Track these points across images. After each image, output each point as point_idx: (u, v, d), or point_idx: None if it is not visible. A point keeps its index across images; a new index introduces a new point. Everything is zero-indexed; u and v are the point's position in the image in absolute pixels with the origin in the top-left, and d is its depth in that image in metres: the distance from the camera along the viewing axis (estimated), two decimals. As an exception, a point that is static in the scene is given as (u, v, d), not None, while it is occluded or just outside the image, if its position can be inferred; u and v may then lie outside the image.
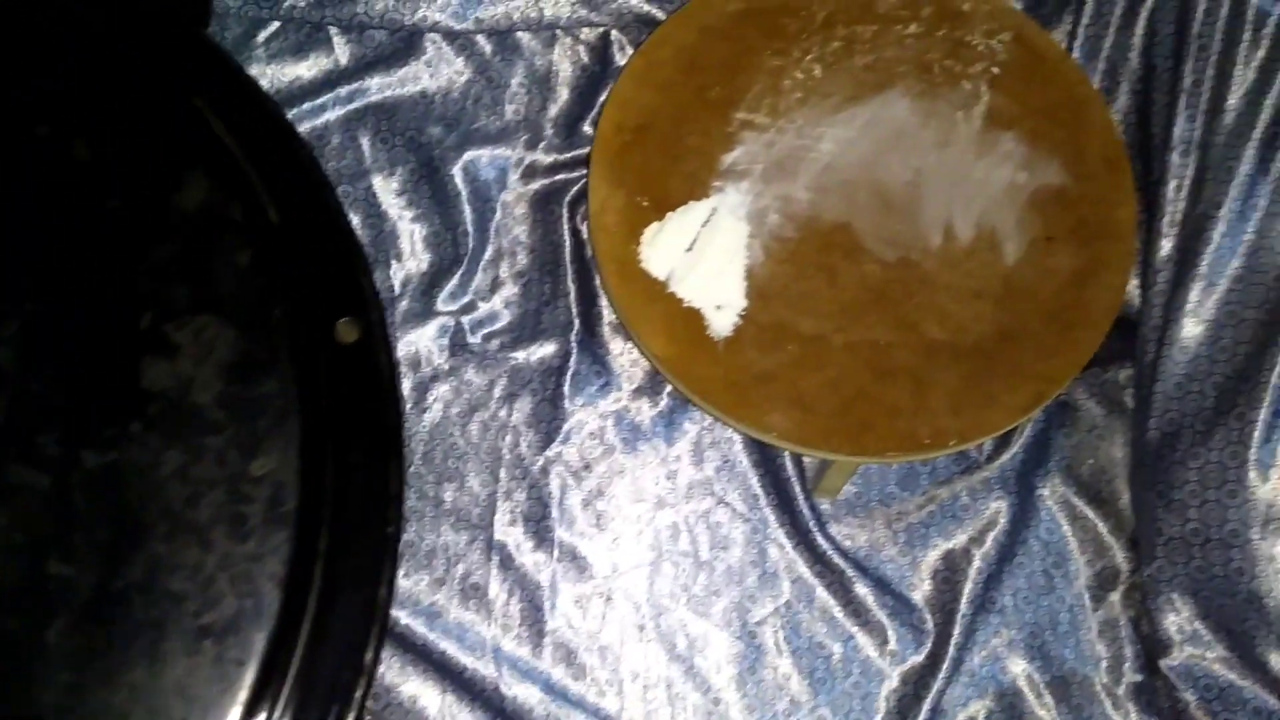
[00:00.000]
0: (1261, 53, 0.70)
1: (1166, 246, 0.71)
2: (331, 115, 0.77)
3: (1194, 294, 0.68)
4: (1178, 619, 0.67)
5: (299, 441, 0.39)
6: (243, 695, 0.37)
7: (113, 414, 0.40)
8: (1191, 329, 0.68)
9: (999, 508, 0.73)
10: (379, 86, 0.78)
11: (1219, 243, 0.67)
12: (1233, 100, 0.69)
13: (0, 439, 0.39)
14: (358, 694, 0.37)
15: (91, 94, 0.44)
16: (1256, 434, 0.63)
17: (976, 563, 0.72)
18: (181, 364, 0.41)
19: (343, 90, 0.78)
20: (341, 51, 0.79)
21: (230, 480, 0.39)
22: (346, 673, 0.38)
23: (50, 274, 0.42)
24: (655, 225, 0.68)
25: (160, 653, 0.38)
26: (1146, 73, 0.75)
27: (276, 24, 0.78)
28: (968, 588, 0.71)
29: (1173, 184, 0.71)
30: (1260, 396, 0.63)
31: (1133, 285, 0.74)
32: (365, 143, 0.77)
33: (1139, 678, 0.70)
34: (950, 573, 0.72)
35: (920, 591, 0.72)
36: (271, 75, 0.78)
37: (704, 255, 0.68)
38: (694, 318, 0.67)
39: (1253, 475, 0.64)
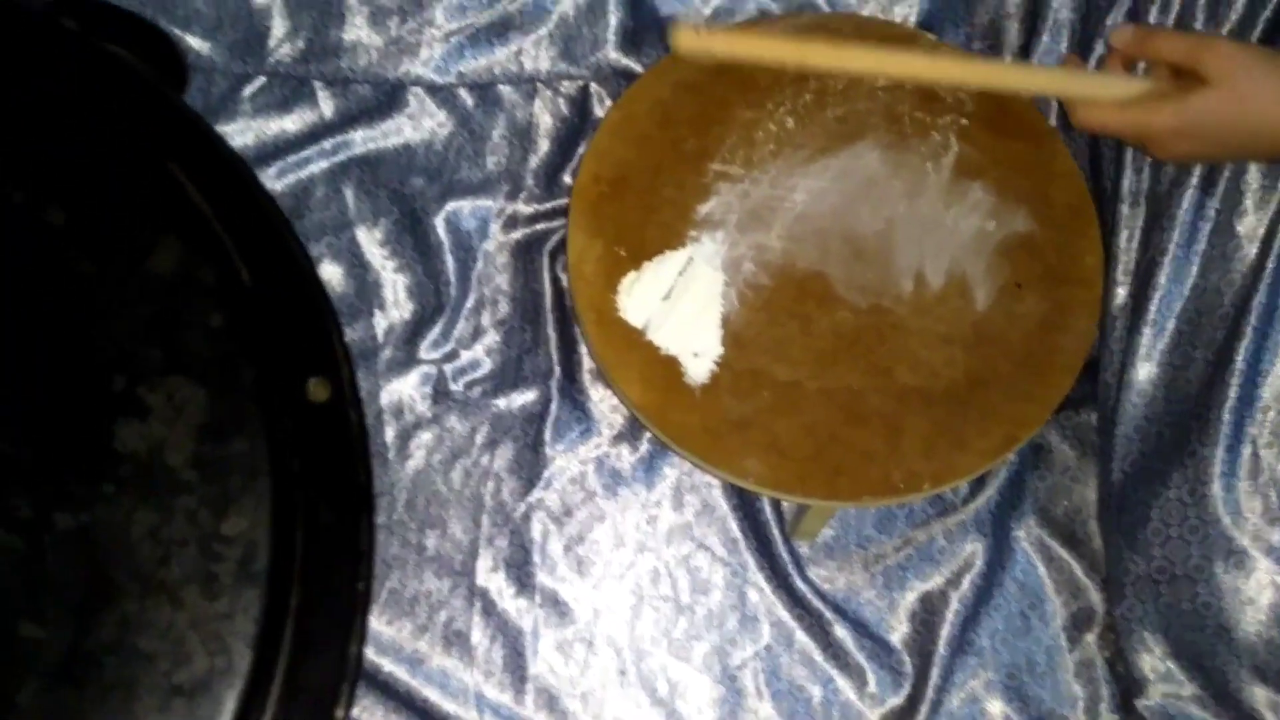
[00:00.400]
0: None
1: (1121, 294, 0.72)
2: (316, 168, 0.79)
3: (1145, 338, 0.69)
4: (1150, 658, 0.67)
5: (270, 501, 0.40)
6: (214, 754, 0.38)
7: (85, 475, 0.41)
8: (1146, 372, 0.69)
9: (975, 550, 0.74)
10: (363, 139, 0.80)
11: (1166, 287, 0.69)
12: None
13: (-27, 501, 0.40)
14: (328, 752, 0.38)
15: (66, 159, 0.45)
16: (1213, 469, 0.64)
17: (954, 604, 0.72)
18: (154, 425, 0.42)
19: (327, 143, 0.79)
20: (326, 105, 0.81)
21: (202, 540, 0.40)
22: (317, 730, 0.38)
23: (24, 336, 0.43)
24: (632, 274, 0.70)
25: (132, 712, 0.39)
26: None
27: (262, 79, 0.80)
28: (945, 629, 0.72)
29: (1124, 234, 0.72)
30: (1213, 434, 0.64)
31: (1099, 331, 0.75)
32: (349, 194, 0.79)
33: (1115, 717, 0.70)
34: (928, 615, 0.72)
35: (898, 633, 0.72)
36: (257, 129, 0.79)
37: (680, 304, 0.69)
38: (671, 365, 0.68)
39: (1212, 510, 0.65)
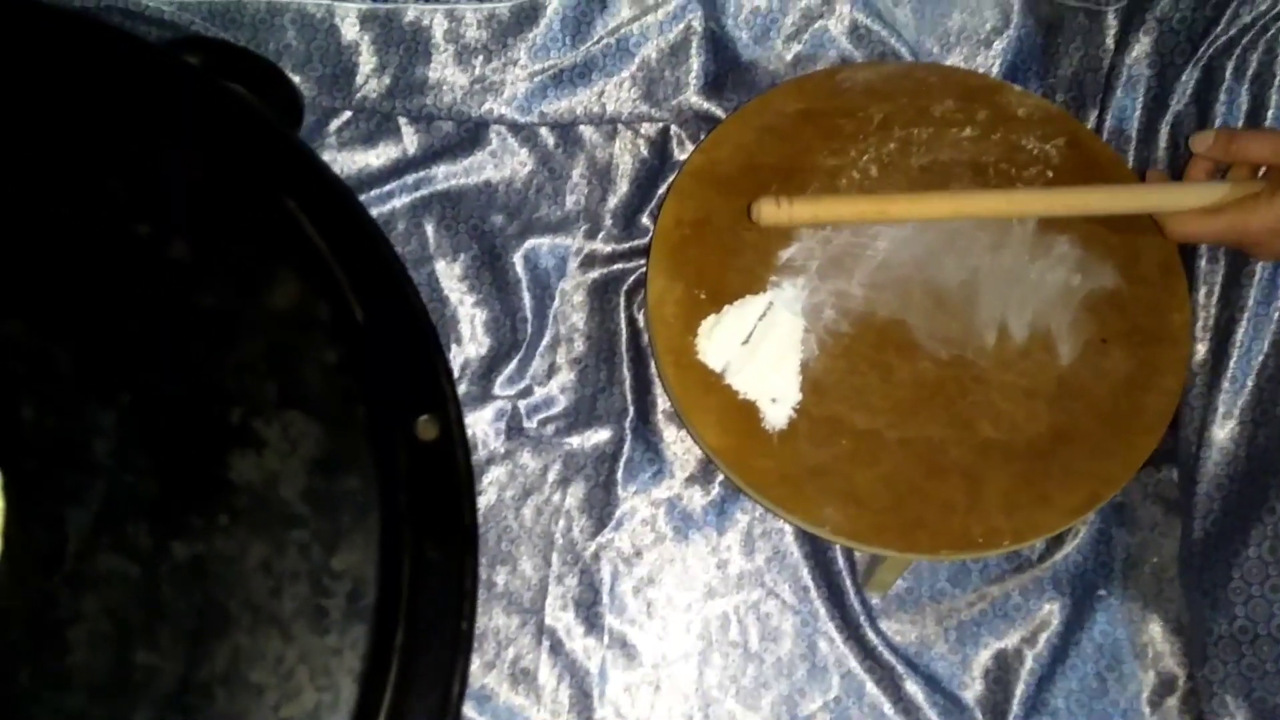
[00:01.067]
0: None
1: (1201, 350, 0.72)
2: (398, 202, 0.80)
3: (1225, 395, 0.69)
4: (1233, 722, 0.66)
5: (379, 537, 0.40)
6: (319, 790, 0.38)
7: (202, 506, 0.42)
8: (1226, 430, 0.69)
9: (1051, 608, 0.72)
10: (445, 175, 0.81)
11: (1245, 344, 0.68)
12: None
13: (94, 528, 0.41)
14: (430, 790, 0.38)
15: (189, 193, 0.46)
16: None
17: (1029, 663, 0.71)
18: (268, 459, 0.42)
19: (410, 178, 0.80)
20: (410, 141, 0.82)
21: (313, 574, 0.40)
22: (419, 768, 0.38)
23: (145, 368, 0.44)
24: (712, 318, 0.70)
25: (240, 745, 0.39)
26: None
27: (348, 113, 0.81)
28: (1019, 688, 0.71)
29: (1204, 290, 0.72)
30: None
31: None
32: (430, 229, 0.80)
33: (1196, 786, 0.69)
34: (1002, 672, 0.71)
35: (971, 691, 0.71)
36: (342, 162, 0.81)
37: (760, 348, 0.69)
38: (749, 410, 0.67)
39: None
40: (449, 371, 0.43)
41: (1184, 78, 0.74)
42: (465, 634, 0.40)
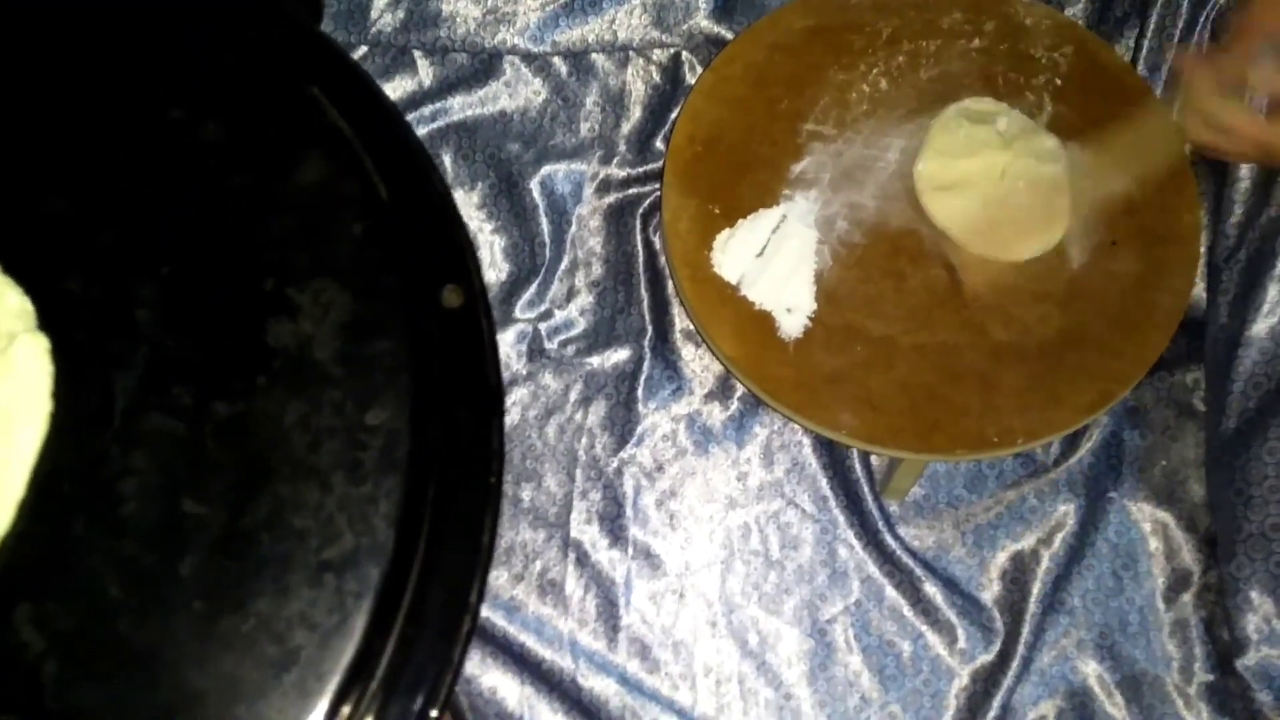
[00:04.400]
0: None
1: (1229, 248, 0.71)
2: (416, 133, 0.81)
3: (1269, 292, 0.68)
4: (1255, 618, 0.66)
5: (410, 396, 0.42)
6: (360, 625, 0.40)
7: (241, 368, 0.44)
8: (1266, 326, 0.68)
9: (1067, 510, 0.73)
10: (460, 106, 0.82)
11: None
12: None
13: (140, 390, 0.43)
14: (464, 629, 0.40)
15: (219, 83, 0.48)
16: None
17: (1045, 563, 0.72)
18: (302, 323, 0.44)
19: (426, 110, 0.81)
20: (425, 73, 0.83)
21: (347, 429, 0.42)
22: (453, 610, 0.40)
23: (184, 242, 0.46)
24: (726, 232, 0.71)
25: (284, 585, 0.41)
26: None
27: (364, 48, 0.82)
28: (1036, 588, 0.72)
29: (1242, 185, 0.72)
30: None
31: (1198, 289, 0.74)
32: (447, 159, 0.81)
33: (1210, 678, 0.70)
34: (1019, 573, 0.72)
35: (989, 592, 0.72)
36: None
37: (774, 260, 0.70)
38: (765, 320, 0.69)
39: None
40: (470, 244, 0.44)
41: None
42: (494, 489, 0.42)
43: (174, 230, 0.45)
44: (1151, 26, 0.78)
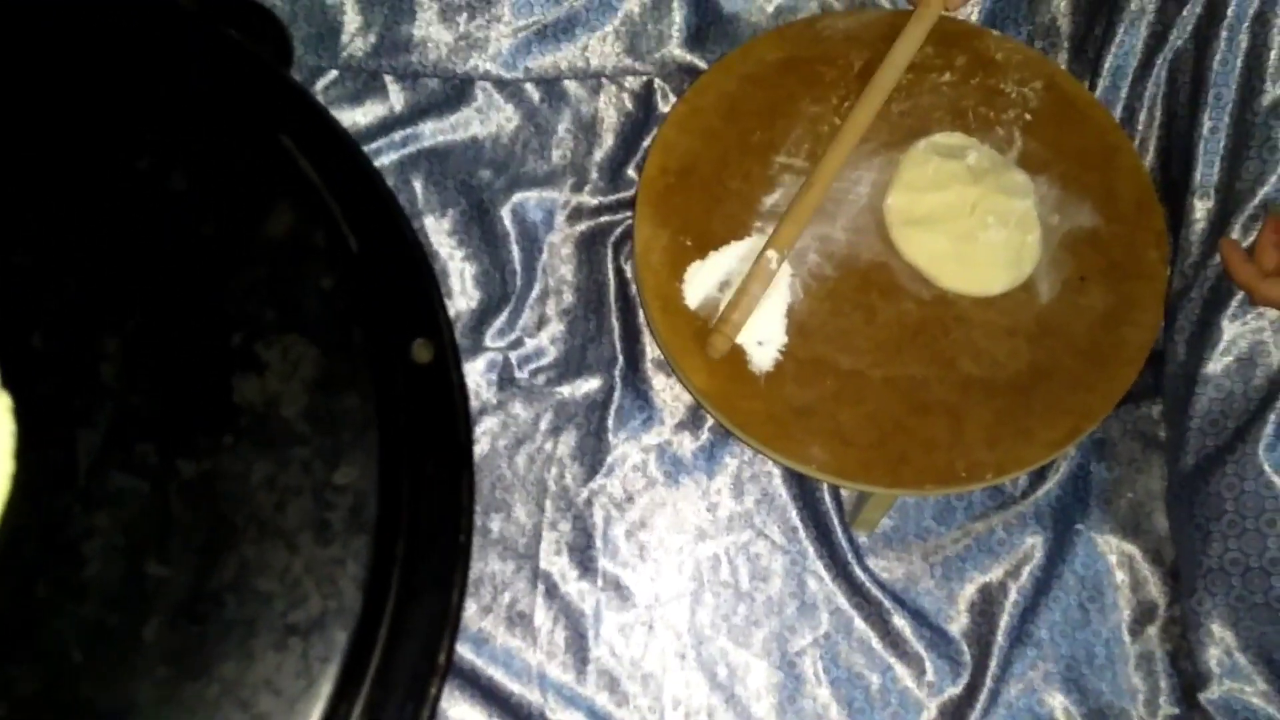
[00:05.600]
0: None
1: (1189, 287, 0.72)
2: (386, 159, 0.80)
3: (1225, 331, 0.69)
4: (1218, 651, 0.67)
5: (378, 454, 0.42)
6: (327, 690, 0.39)
7: (207, 426, 0.43)
8: (1221, 365, 0.69)
9: (1034, 542, 0.74)
10: (432, 132, 0.81)
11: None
12: (1253, 148, 0.71)
13: (104, 449, 0.42)
14: (432, 691, 0.40)
15: (186, 131, 0.48)
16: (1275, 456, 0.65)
17: (1013, 596, 0.72)
18: (269, 380, 0.43)
19: (397, 135, 0.81)
20: (396, 99, 0.82)
21: (315, 489, 0.42)
22: (422, 671, 0.40)
23: (149, 296, 0.45)
24: (698, 263, 0.70)
25: (250, 649, 0.40)
26: (1168, 119, 0.77)
27: (335, 72, 0.81)
28: (1004, 620, 0.72)
29: (1198, 226, 0.73)
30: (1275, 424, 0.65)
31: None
32: (418, 185, 0.80)
33: (1175, 711, 0.70)
34: (986, 606, 0.73)
35: (957, 624, 0.73)
36: None
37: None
38: (735, 353, 0.69)
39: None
40: (441, 297, 0.44)
41: (1185, 13, 0.74)
42: (463, 546, 0.42)
43: (139, 284, 0.45)
44: (1106, 67, 0.78)
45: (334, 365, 0.43)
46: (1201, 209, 0.72)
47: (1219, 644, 0.67)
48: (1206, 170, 0.72)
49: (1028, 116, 0.75)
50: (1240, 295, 0.69)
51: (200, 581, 0.40)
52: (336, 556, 0.40)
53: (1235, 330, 0.69)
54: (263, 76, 0.49)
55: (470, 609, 0.71)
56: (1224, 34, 0.72)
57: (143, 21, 0.49)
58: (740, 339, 0.69)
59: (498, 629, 0.71)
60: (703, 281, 0.70)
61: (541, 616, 0.71)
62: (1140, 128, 0.78)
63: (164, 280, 0.45)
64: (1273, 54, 0.71)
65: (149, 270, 0.45)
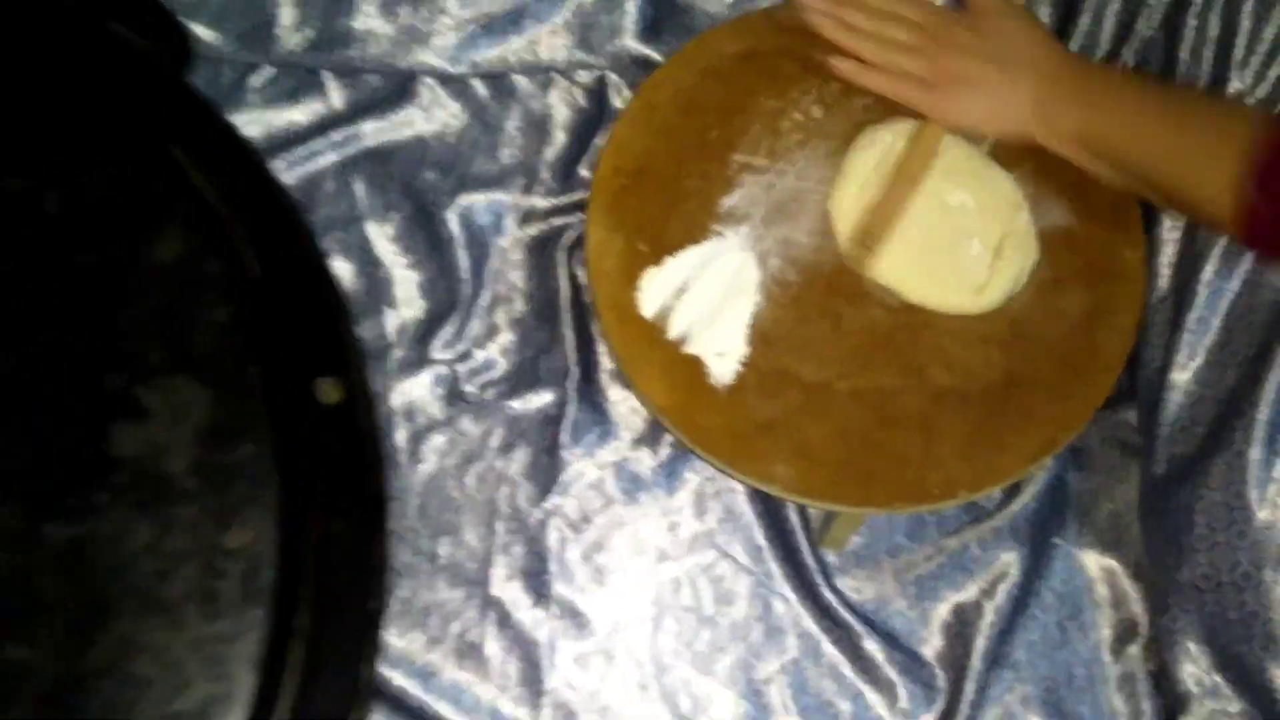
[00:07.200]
0: (1254, 87, 0.69)
1: (1163, 287, 0.70)
2: (325, 160, 0.77)
3: (1189, 335, 0.67)
4: (1195, 670, 0.64)
5: (277, 512, 0.37)
6: (214, 791, 0.35)
7: (79, 484, 0.38)
8: (1190, 370, 0.67)
9: (1010, 558, 0.71)
10: (373, 131, 0.78)
11: (1214, 282, 0.66)
12: None
13: (-41, 512, 0.38)
14: (339, 785, 0.35)
15: (64, 143, 0.43)
16: (1252, 471, 0.62)
17: (988, 615, 0.70)
18: (152, 429, 0.39)
19: (336, 135, 0.77)
20: (336, 96, 0.79)
21: (203, 554, 0.37)
22: (328, 762, 0.36)
23: (15, 334, 0.40)
24: (653, 270, 0.67)
25: (126, 744, 0.36)
26: None
27: (270, 69, 0.78)
28: (980, 642, 0.69)
29: (1167, 223, 0.70)
30: (1253, 433, 0.62)
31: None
32: (359, 188, 0.77)
33: (1159, 734, 0.68)
34: (961, 626, 0.70)
35: (930, 646, 0.70)
36: (265, 120, 0.78)
37: (704, 301, 0.66)
38: (694, 365, 0.65)
39: (1261, 515, 0.62)
40: (353, 330, 0.40)
41: (1152, 1, 0.72)
42: (374, 613, 0.37)
43: (4, 320, 0.40)
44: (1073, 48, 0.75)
45: (227, 410, 0.38)
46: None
47: (1195, 662, 0.65)
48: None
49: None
50: (1209, 295, 0.66)
51: (68, 666, 0.36)
52: (226, 633, 0.36)
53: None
54: (152, 80, 0.44)
55: (417, 640, 0.68)
56: (1192, 21, 0.70)
57: (12, 17, 0.44)
58: (698, 350, 0.65)
59: (446, 662, 0.68)
60: (659, 289, 0.67)
61: (493, 647, 0.68)
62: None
63: (32, 316, 0.40)
64: (1241, 41, 0.68)
65: (15, 305, 0.40)
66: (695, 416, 0.64)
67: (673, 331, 0.66)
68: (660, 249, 0.67)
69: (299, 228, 0.42)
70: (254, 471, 0.38)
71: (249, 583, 0.36)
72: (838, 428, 0.64)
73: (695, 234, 0.68)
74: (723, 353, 0.65)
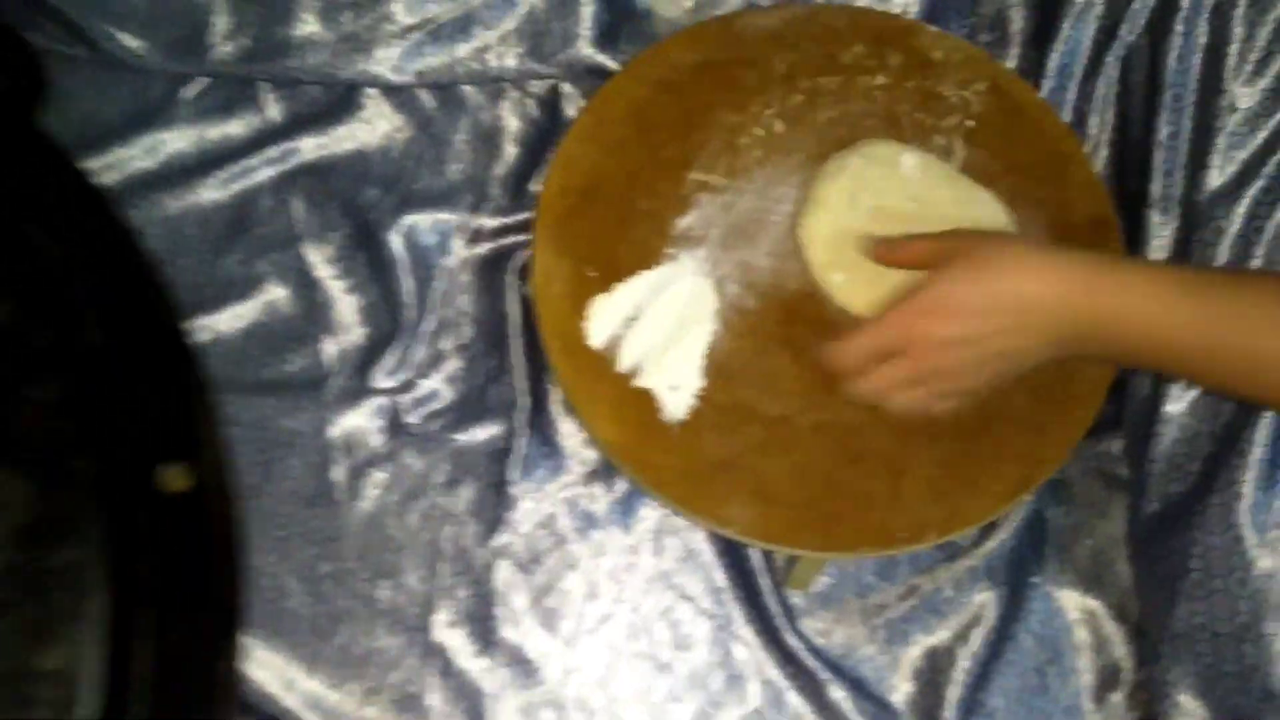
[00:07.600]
0: (1247, 100, 0.65)
1: None
2: (261, 176, 0.74)
3: None
4: (1189, 725, 0.61)
5: (103, 626, 0.33)
6: None
7: None
8: (1184, 403, 0.64)
9: (986, 599, 0.68)
10: (312, 145, 0.75)
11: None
12: (1216, 156, 0.65)
13: None
14: None
15: None
16: (1250, 514, 0.59)
17: (962, 661, 0.67)
18: (-44, 528, 0.35)
19: (273, 150, 0.75)
20: (272, 108, 0.77)
21: (8, 678, 0.33)
22: None
23: None
24: (603, 297, 0.64)
25: None
26: (1121, 123, 0.72)
27: (203, 79, 0.75)
28: (953, 690, 0.66)
29: (1153, 243, 0.67)
30: (1249, 472, 0.59)
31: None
32: (297, 206, 0.74)
33: (1145, 790, 0.64)
34: (933, 673, 0.67)
35: (901, 694, 0.66)
36: (197, 134, 0.75)
37: (656, 330, 0.63)
38: (646, 399, 0.62)
39: (1263, 563, 0.58)
40: (208, 404, 0.35)
41: (1136, 5, 0.69)
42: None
43: None
44: (1051, 66, 0.72)
45: (50, 505, 0.34)
46: (1161, 225, 0.67)
47: (1189, 717, 0.62)
48: (1166, 181, 0.67)
49: (970, 123, 0.68)
50: None
51: None
52: (31, 779, 0.32)
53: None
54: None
55: (354, 692, 0.64)
56: (1179, 28, 0.67)
57: None
58: (650, 383, 0.63)
59: (385, 714, 0.64)
60: (609, 317, 0.64)
61: (435, 698, 0.64)
62: (1091, 132, 0.72)
63: None
64: (1232, 47, 0.65)
65: None
66: (647, 455, 0.61)
67: (623, 363, 0.63)
68: (610, 274, 0.64)
69: (153, 287, 0.38)
70: (78, 578, 0.33)
71: (62, 712, 0.32)
72: (799, 466, 0.61)
73: (648, 258, 0.65)
74: (676, 386, 0.62)
